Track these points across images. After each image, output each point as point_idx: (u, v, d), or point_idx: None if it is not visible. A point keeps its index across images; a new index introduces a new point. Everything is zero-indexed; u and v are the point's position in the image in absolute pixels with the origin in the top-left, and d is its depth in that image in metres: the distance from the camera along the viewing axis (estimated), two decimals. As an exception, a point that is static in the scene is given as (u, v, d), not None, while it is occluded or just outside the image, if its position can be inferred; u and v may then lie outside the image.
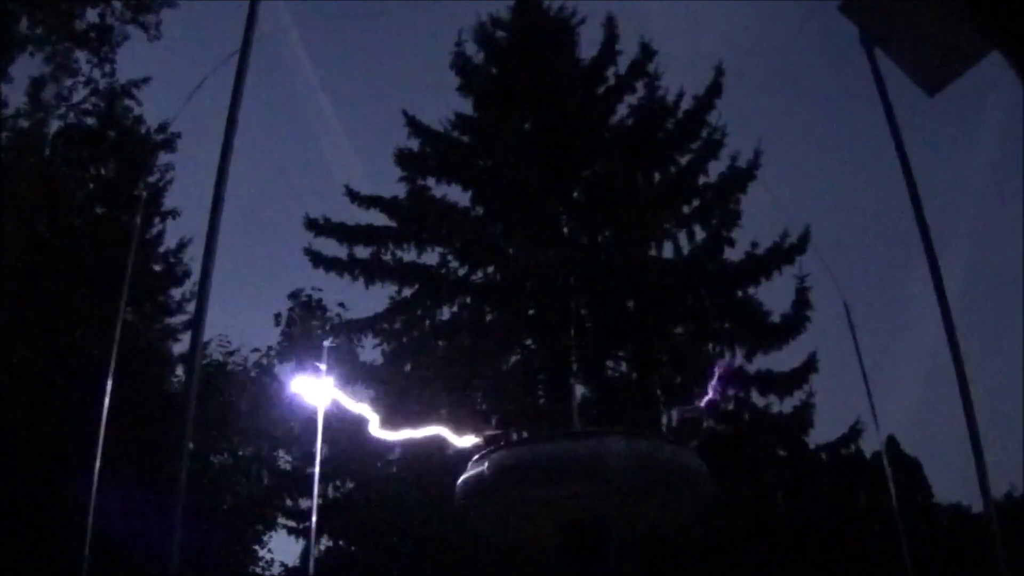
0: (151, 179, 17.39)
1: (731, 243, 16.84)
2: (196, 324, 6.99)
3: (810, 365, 15.99)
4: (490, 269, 17.60)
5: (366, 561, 15.97)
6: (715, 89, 17.63)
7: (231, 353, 17.36)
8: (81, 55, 16.14)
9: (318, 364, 11.18)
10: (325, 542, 16.87)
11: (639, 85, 18.34)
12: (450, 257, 17.49)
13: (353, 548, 16.84)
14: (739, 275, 16.57)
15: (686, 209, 17.25)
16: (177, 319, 18.21)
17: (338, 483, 16.94)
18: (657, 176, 17.86)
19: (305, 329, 17.78)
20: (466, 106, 18.70)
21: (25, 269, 14.20)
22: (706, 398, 7.43)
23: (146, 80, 17.22)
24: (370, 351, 17.19)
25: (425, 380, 16.02)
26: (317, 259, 17.03)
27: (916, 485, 24.99)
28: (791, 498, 15.77)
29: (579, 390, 16.27)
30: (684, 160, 17.67)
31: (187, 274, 18.05)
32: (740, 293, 16.67)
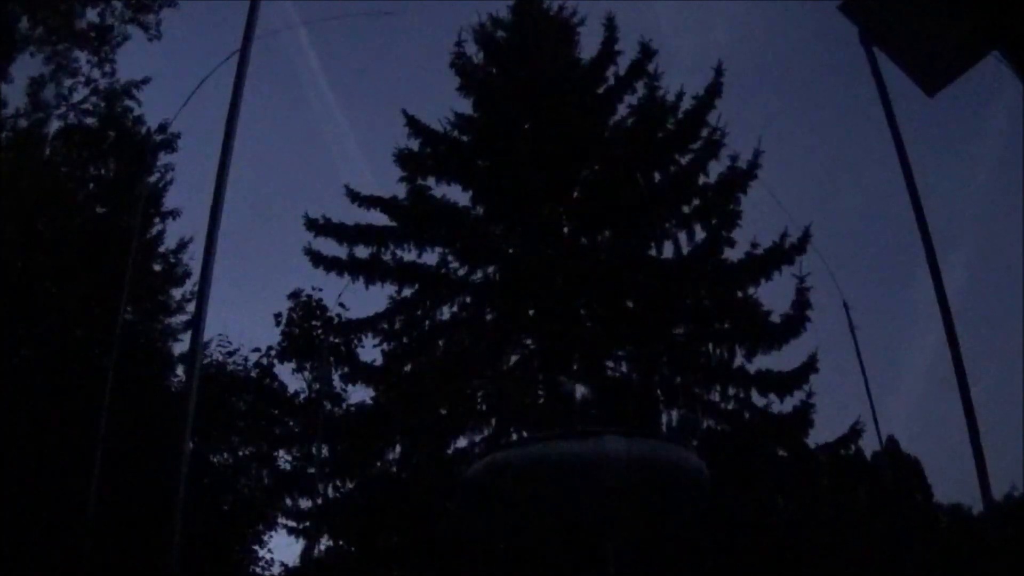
0: (151, 179, 17.37)
1: (731, 243, 16.84)
2: (196, 324, 6.98)
3: (810, 365, 15.98)
4: (490, 269, 17.60)
5: (366, 561, 15.95)
6: (715, 89, 17.63)
7: (231, 353, 17.31)
8: (81, 55, 16.14)
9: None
10: (325, 542, 16.85)
11: (639, 85, 18.35)
12: (450, 257, 17.49)
13: (353, 548, 16.81)
14: (739, 275, 16.56)
15: (686, 209, 17.25)
16: (177, 319, 18.20)
17: (338, 483, 16.90)
18: (657, 176, 17.85)
19: (305, 329, 17.74)
20: (466, 106, 18.72)
21: (25, 269, 14.19)
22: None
23: (146, 80, 17.20)
24: (370, 351, 17.20)
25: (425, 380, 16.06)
26: (317, 259, 17.02)
27: (916, 485, 25.01)
28: (791, 498, 15.76)
29: (579, 390, 16.26)
30: (684, 160, 17.67)
31: (187, 274, 18.04)
32: (740, 293, 16.66)
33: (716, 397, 16.13)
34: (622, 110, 18.48)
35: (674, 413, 16.17)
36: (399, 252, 17.25)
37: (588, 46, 19.06)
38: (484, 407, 16.55)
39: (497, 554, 12.66)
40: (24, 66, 15.45)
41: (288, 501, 17.26)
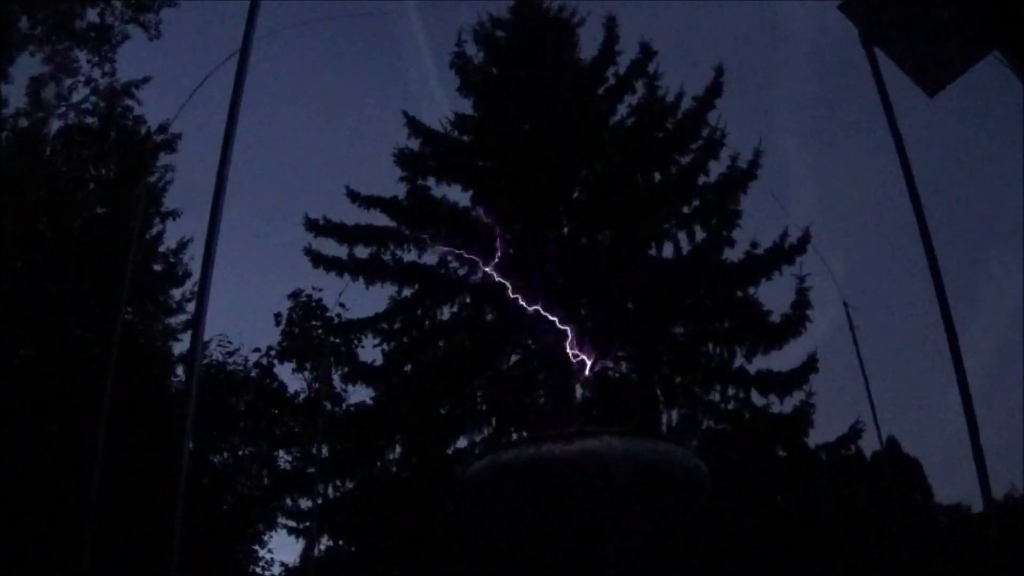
0: (151, 179, 17.39)
1: (731, 243, 16.84)
2: (196, 324, 7.00)
3: (810, 365, 15.98)
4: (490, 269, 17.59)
5: (366, 561, 15.95)
6: (715, 89, 17.62)
7: (231, 353, 17.32)
8: (81, 55, 16.13)
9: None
10: (325, 542, 16.86)
11: (639, 85, 18.35)
12: (450, 257, 17.49)
13: (353, 548, 16.81)
14: (739, 275, 16.56)
15: (686, 209, 17.24)
16: (177, 319, 18.23)
17: (338, 483, 16.91)
18: (657, 176, 17.85)
19: (305, 329, 17.74)
20: (466, 106, 18.73)
21: (25, 269, 14.18)
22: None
23: (146, 80, 17.21)
24: (370, 351, 17.20)
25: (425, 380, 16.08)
26: (317, 259, 17.03)
27: (916, 485, 25.01)
28: (791, 498, 15.76)
29: (579, 390, 16.26)
30: (684, 160, 17.66)
31: (187, 274, 18.07)
32: (740, 293, 16.66)
33: (716, 397, 16.13)
34: (622, 110, 18.50)
35: (674, 413, 16.18)
36: (399, 252, 17.26)
37: (588, 46, 19.10)
38: (484, 407, 16.55)
39: (497, 554, 12.66)
40: (24, 66, 15.46)
41: (288, 501, 17.28)
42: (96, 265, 14.24)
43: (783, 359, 16.15)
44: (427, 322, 17.22)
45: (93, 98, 16.62)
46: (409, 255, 17.30)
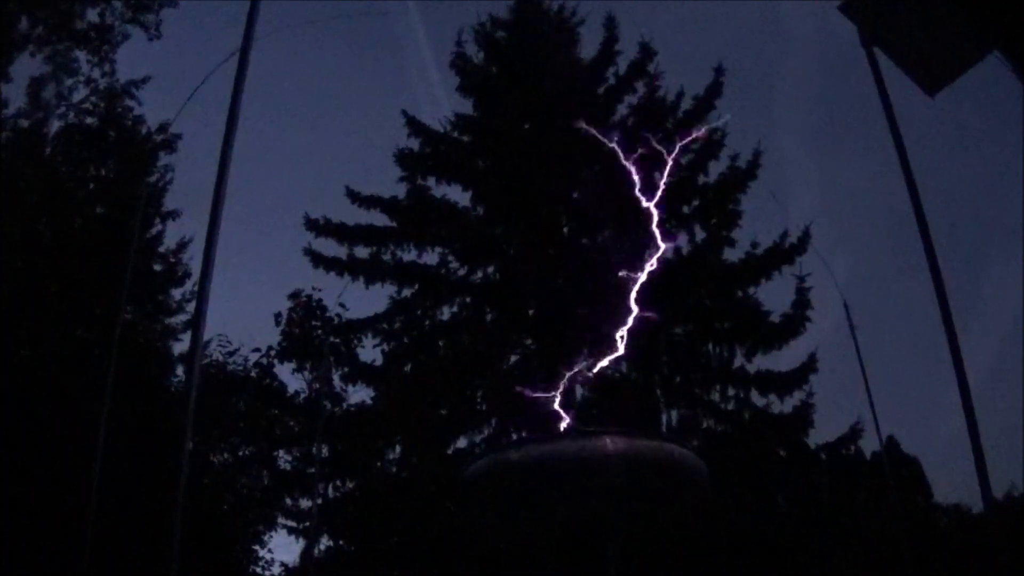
0: (151, 179, 17.38)
1: (731, 243, 16.84)
2: (196, 324, 7.01)
3: (810, 365, 15.98)
4: (490, 269, 17.59)
5: (366, 561, 15.96)
6: (715, 89, 17.62)
7: (231, 353, 17.34)
8: (81, 55, 16.14)
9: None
10: (325, 542, 16.87)
11: (639, 85, 18.35)
12: (450, 257, 17.48)
13: (353, 548, 16.82)
14: (739, 275, 16.56)
15: (686, 209, 17.24)
16: (177, 319, 18.20)
17: (338, 483, 16.92)
18: (657, 176, 17.82)
19: (305, 329, 17.75)
20: (466, 106, 18.72)
21: (25, 269, 14.18)
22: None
23: (146, 80, 17.22)
24: (370, 351, 17.19)
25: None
26: (317, 259, 17.02)
27: (916, 485, 24.99)
28: (791, 498, 15.76)
29: (579, 390, 16.25)
30: (684, 160, 17.65)
31: (187, 274, 18.04)
32: (740, 293, 16.66)
33: (716, 397, 16.13)
34: (622, 110, 18.49)
35: (674, 413, 16.18)
36: (399, 252, 17.25)
37: (588, 46, 19.07)
38: (484, 407, 16.54)
39: (497, 554, 12.65)
40: (24, 66, 15.46)
41: (288, 501, 17.29)
42: (96, 265, 14.24)
43: (783, 359, 16.19)
44: (427, 322, 17.22)
45: (93, 98, 16.64)
46: (409, 255, 17.31)
